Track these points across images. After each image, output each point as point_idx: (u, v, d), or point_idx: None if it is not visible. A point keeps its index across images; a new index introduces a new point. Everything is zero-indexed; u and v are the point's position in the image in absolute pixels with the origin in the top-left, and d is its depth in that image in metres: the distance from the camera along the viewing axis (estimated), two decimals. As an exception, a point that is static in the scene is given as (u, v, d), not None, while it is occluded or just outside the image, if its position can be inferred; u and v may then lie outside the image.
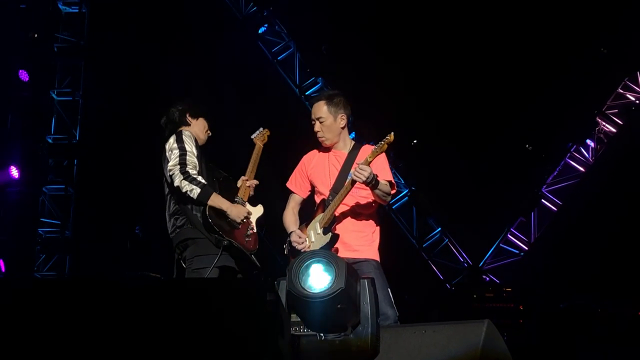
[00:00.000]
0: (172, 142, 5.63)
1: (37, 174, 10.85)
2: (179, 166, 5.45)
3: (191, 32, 10.77)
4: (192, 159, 5.53)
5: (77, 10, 11.19)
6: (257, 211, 5.85)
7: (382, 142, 5.15)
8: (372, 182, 5.13)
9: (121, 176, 10.40)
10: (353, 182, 5.17)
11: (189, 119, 5.89)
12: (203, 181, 5.45)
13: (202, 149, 5.80)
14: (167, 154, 5.61)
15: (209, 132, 6.00)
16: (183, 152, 5.51)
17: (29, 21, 10.85)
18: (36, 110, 10.92)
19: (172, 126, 5.88)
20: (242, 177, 5.89)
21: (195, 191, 5.40)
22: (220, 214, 5.51)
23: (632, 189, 10.16)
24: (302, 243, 5.36)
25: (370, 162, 5.14)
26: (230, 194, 5.69)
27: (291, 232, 5.50)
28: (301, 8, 11.30)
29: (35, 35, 10.78)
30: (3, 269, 9.86)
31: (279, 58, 11.64)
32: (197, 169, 5.54)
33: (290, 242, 5.45)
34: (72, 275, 10.63)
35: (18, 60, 10.64)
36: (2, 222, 10.49)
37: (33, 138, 10.87)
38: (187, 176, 5.41)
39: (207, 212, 5.45)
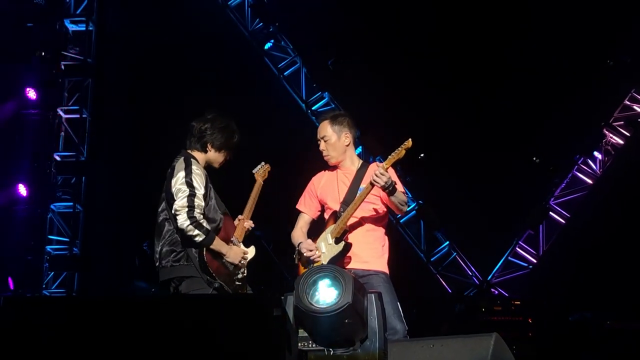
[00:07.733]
0: (181, 170, 5.45)
1: (45, 191, 10.87)
2: (186, 209, 5.29)
3: (198, 47, 10.80)
4: (199, 201, 5.36)
5: (84, 28, 11.24)
6: (250, 253, 5.73)
7: (400, 148, 5.19)
8: (389, 187, 5.16)
9: (129, 193, 10.42)
10: (371, 185, 5.18)
11: (208, 147, 5.63)
12: (208, 227, 5.33)
13: (210, 176, 5.64)
14: (172, 180, 5.44)
15: (226, 161, 5.74)
16: (192, 194, 5.33)
17: (36, 39, 10.92)
18: (44, 128, 10.97)
19: (190, 141, 5.66)
20: (239, 217, 5.76)
21: (199, 237, 5.27)
22: (218, 255, 5.42)
23: (640, 201, 10.15)
24: (313, 252, 5.34)
25: (387, 168, 5.16)
26: (228, 230, 5.59)
27: (300, 242, 5.49)
28: (307, 23, 11.34)
29: (43, 54, 10.84)
30: (12, 287, 9.87)
31: (285, 74, 11.67)
32: (203, 210, 5.39)
33: (299, 252, 5.43)
34: (81, 293, 10.62)
35: (26, 78, 10.70)
36: (11, 240, 10.52)
37: (41, 156, 10.91)
38: (193, 221, 5.26)
39: (204, 252, 5.35)
